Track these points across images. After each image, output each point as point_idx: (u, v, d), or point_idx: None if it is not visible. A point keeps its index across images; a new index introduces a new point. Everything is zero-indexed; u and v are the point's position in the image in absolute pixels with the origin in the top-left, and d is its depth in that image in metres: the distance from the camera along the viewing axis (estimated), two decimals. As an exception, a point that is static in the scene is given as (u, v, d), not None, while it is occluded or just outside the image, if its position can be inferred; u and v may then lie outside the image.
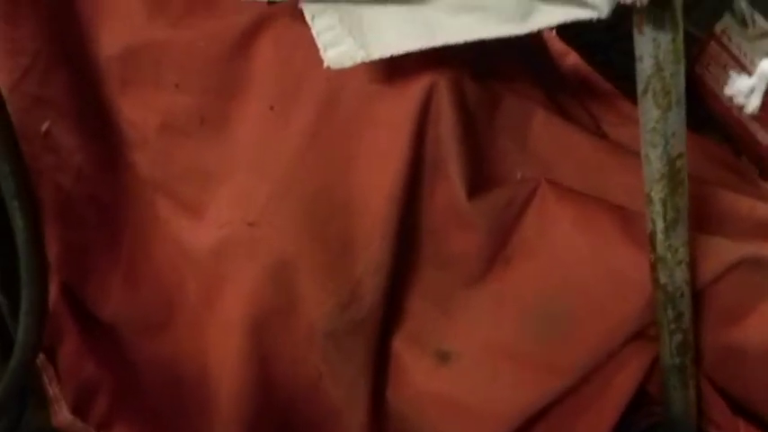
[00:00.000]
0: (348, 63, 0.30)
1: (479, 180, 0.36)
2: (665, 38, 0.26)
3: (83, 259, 0.42)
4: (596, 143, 0.39)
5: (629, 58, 0.35)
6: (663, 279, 0.33)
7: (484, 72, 0.36)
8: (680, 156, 0.29)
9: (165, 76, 0.36)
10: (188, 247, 0.40)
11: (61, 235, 0.40)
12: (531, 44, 0.43)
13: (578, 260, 0.37)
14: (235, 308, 0.39)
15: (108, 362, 0.44)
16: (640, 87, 0.27)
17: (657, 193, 0.30)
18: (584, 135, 0.39)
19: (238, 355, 0.39)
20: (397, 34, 0.29)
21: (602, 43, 0.47)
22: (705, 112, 0.41)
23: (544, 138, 0.38)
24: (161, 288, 0.42)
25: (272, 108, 0.36)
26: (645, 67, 0.27)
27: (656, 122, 0.28)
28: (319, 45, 0.30)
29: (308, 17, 0.30)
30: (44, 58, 0.38)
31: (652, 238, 0.32)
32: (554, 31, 0.48)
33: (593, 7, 0.26)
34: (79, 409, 0.43)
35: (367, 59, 0.30)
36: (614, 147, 0.39)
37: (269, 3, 0.31)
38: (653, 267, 0.33)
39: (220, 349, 0.40)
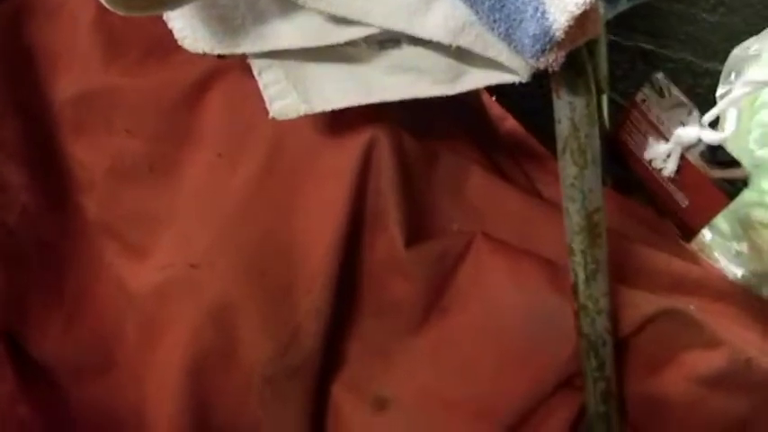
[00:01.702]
0: (292, 114, 0.32)
1: (417, 231, 0.38)
2: (579, 102, 0.28)
3: (23, 300, 0.42)
4: (528, 199, 0.42)
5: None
6: (585, 328, 0.35)
7: (423, 129, 0.38)
8: (597, 210, 0.31)
9: (117, 121, 0.37)
10: (130, 289, 0.40)
11: (2, 274, 0.40)
12: (471, 108, 0.46)
13: (510, 309, 0.38)
14: (175, 349, 0.39)
15: (43, 405, 0.43)
16: (559, 147, 0.30)
17: (578, 244, 0.32)
18: (516, 192, 0.42)
19: (177, 399, 0.38)
20: (338, 90, 0.31)
21: (535, 108, 0.50)
22: (633, 177, 0.44)
23: (479, 193, 0.40)
24: (102, 331, 0.42)
25: (219, 156, 0.37)
26: (563, 128, 0.29)
27: (573, 179, 0.30)
28: (266, 97, 0.32)
29: (255, 71, 0.32)
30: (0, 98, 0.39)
31: (575, 287, 0.34)
32: (494, 97, 0.51)
33: (514, 72, 0.28)
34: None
35: (310, 112, 0.32)
36: (545, 203, 0.42)
37: (219, 57, 0.33)
38: (576, 316, 0.35)
39: (159, 393, 0.40)
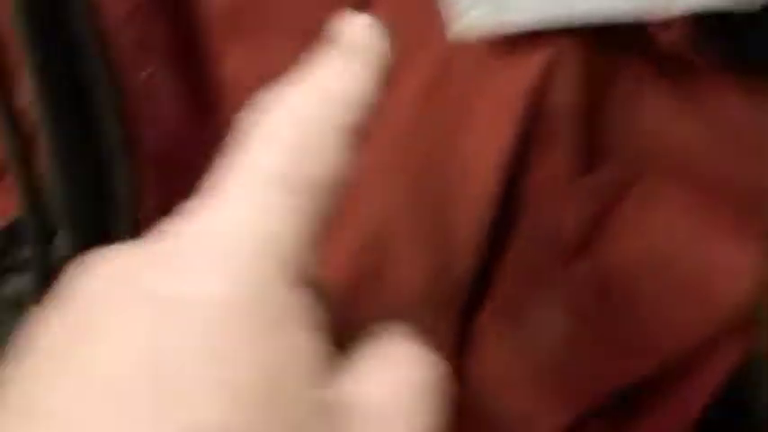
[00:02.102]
0: (481, 30, 0.29)
1: (588, 156, 0.36)
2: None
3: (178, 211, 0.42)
4: (704, 124, 0.38)
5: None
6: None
7: (602, 49, 0.35)
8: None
9: (269, 33, 0.35)
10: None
11: (158, 185, 0.40)
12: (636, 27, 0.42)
13: (678, 244, 0.36)
14: (330, 271, 0.38)
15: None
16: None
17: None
18: (692, 115, 0.38)
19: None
20: (536, 8, 0.28)
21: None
22: None
23: (652, 115, 0.37)
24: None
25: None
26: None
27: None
28: (450, 11, 0.29)
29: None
30: (149, 2, 0.37)
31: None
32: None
33: None
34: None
35: (500, 29, 0.29)
36: (722, 127, 0.38)
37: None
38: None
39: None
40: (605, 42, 0.37)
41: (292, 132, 0.20)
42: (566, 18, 0.28)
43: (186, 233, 0.18)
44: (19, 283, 0.60)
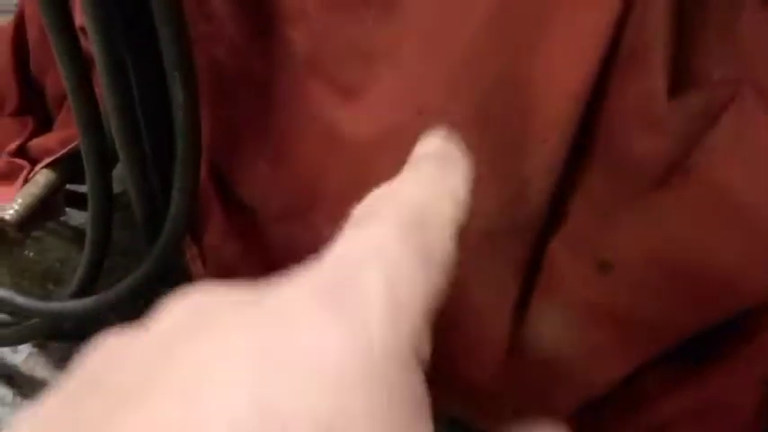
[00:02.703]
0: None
1: (679, 77, 0.33)
2: None
3: (232, 138, 0.41)
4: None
5: None
6: None
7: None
8: None
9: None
10: (342, 134, 0.38)
11: (212, 111, 0.38)
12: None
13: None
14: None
15: (250, 244, 0.43)
16: None
17: None
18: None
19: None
20: None
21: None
22: None
23: (751, 33, 0.34)
24: (307, 173, 0.41)
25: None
26: None
27: None
28: None
29: None
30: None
31: None
32: None
33: None
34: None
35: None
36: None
37: None
38: None
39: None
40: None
41: (413, 214, 0.19)
42: None
43: (309, 287, 0.17)
44: (80, 218, 0.60)
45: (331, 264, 0.17)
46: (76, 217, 0.59)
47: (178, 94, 0.34)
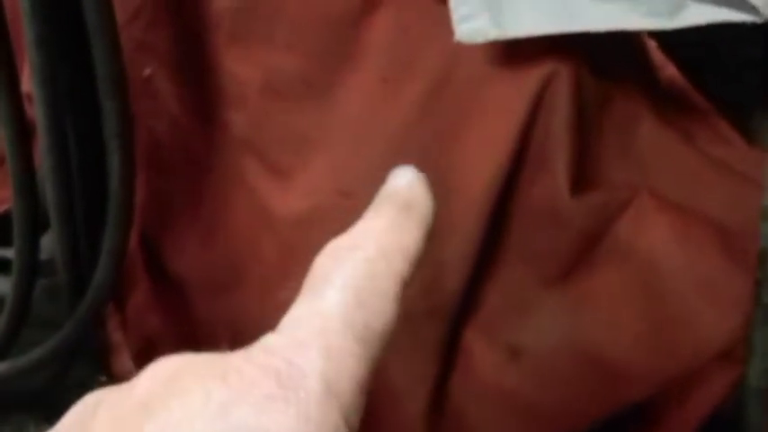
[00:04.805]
0: (480, 39, 0.30)
1: (581, 178, 0.36)
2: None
3: (164, 209, 0.42)
4: (698, 156, 0.38)
5: (722, 78, 0.34)
6: (766, 299, 0.32)
7: (599, 68, 0.35)
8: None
9: (277, 34, 0.36)
10: (272, 212, 0.40)
11: (148, 181, 0.40)
12: (638, 51, 0.42)
13: (671, 269, 0.36)
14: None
15: (174, 316, 0.43)
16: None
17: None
18: (686, 146, 0.38)
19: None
20: (536, 15, 0.29)
21: (695, 61, 0.46)
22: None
23: (648, 143, 0.37)
24: (236, 249, 0.42)
25: (382, 79, 0.35)
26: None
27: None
28: (453, 17, 0.30)
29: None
30: (152, 2, 0.38)
31: (763, 255, 0.31)
32: (654, 42, 0.47)
33: (752, 11, 0.25)
34: (139, 359, 0.43)
35: (501, 38, 0.30)
36: (715, 161, 0.39)
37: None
38: (758, 284, 0.32)
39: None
40: (603, 66, 0.38)
41: (360, 284, 0.23)
42: (564, 28, 0.29)
43: (262, 365, 0.20)
44: (2, 284, 0.59)
45: (282, 341, 0.21)
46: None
47: (114, 161, 0.35)
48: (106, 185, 0.37)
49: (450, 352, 0.40)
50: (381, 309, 0.23)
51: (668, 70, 0.49)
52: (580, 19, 0.28)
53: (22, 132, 0.37)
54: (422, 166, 0.37)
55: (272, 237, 0.40)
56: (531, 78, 0.33)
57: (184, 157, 0.41)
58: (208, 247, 0.42)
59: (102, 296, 0.39)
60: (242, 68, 0.37)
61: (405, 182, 0.28)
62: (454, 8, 0.30)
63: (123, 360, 0.43)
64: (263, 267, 0.41)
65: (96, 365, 0.46)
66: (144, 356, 0.42)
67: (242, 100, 0.38)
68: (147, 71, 0.38)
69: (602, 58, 0.37)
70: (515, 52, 0.33)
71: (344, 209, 0.39)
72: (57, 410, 0.22)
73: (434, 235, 0.38)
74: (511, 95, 0.34)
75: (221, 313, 0.43)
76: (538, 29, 0.29)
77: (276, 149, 0.39)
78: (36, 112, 0.34)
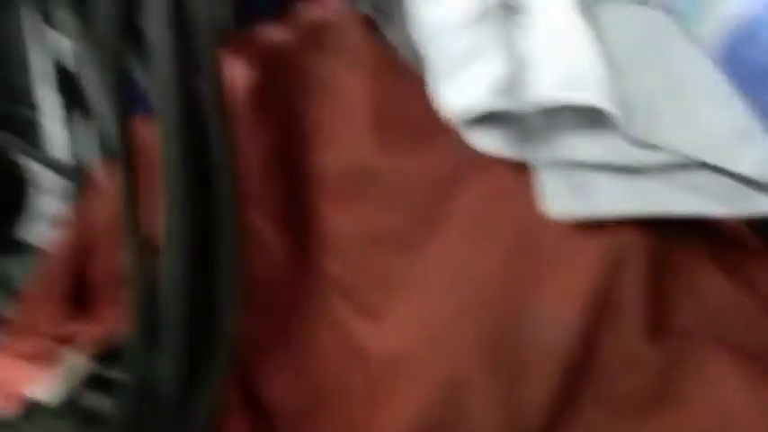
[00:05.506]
0: (567, 217, 0.34)
1: (654, 326, 0.39)
2: None
3: (259, 343, 0.46)
4: (761, 302, 0.41)
5: None
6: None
7: (666, 234, 0.39)
8: None
9: (377, 196, 0.40)
10: (361, 347, 0.43)
11: (248, 323, 0.44)
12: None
13: (743, 418, 0.38)
14: (400, 419, 0.41)
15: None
16: None
17: None
18: (748, 291, 0.41)
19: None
20: (617, 200, 0.32)
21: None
22: None
23: (712, 291, 0.40)
24: (324, 379, 0.45)
25: (467, 239, 0.39)
26: None
27: None
28: (541, 196, 0.34)
29: (540, 171, 0.34)
30: (269, 161, 0.43)
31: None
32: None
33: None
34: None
35: (585, 216, 0.33)
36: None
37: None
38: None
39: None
40: (668, 227, 0.41)
41: None
42: (645, 210, 0.32)
43: None
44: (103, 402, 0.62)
45: None
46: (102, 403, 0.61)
47: (227, 308, 0.39)
48: (215, 326, 0.40)
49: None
50: None
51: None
52: (657, 205, 0.32)
53: (143, 283, 0.41)
54: (503, 314, 0.40)
55: (361, 371, 0.43)
56: (606, 240, 0.37)
57: (281, 297, 0.45)
58: (297, 378, 0.46)
59: (203, 426, 0.42)
60: (343, 222, 0.42)
61: None
62: (542, 186, 0.33)
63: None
64: (349, 401, 0.44)
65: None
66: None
67: (339, 249, 0.42)
68: (259, 222, 0.43)
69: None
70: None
71: (432, 353, 0.43)
72: None
73: (511, 379, 0.41)
74: (589, 252, 0.38)
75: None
76: (618, 211, 0.33)
77: (368, 293, 0.42)
78: (165, 267, 0.38)
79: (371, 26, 0.45)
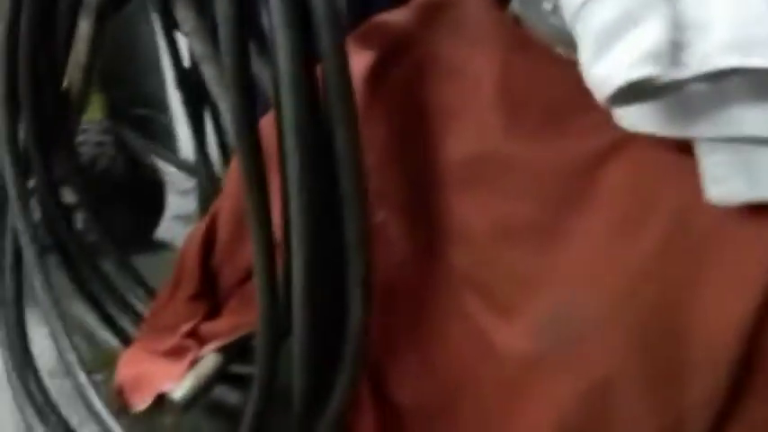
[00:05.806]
0: (735, 200, 0.29)
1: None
2: None
3: (387, 342, 0.44)
4: None
5: None
6: None
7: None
8: None
9: (508, 185, 0.37)
10: (493, 346, 0.40)
11: (377, 320, 0.42)
12: None
13: None
14: (540, 422, 0.38)
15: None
16: None
17: None
18: None
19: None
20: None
21: None
22: None
23: None
24: (453, 377, 0.43)
25: (614, 226, 0.35)
26: None
27: None
28: (706, 179, 0.30)
29: (697, 150, 0.30)
30: (387, 153, 0.41)
31: None
32: None
33: None
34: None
35: (755, 200, 0.29)
36: None
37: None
38: None
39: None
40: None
41: None
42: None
43: None
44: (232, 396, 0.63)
45: None
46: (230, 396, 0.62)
47: (356, 307, 0.38)
48: (344, 325, 0.39)
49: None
50: None
51: None
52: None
53: (271, 258, 0.40)
54: (657, 309, 0.36)
55: (493, 369, 0.41)
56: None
57: (408, 293, 0.43)
58: (427, 375, 0.44)
59: (332, 424, 0.41)
60: (471, 213, 0.39)
61: None
62: (706, 169, 0.29)
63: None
64: (481, 399, 0.42)
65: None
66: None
67: (469, 242, 0.40)
68: (381, 217, 0.41)
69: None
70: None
71: (576, 355, 0.39)
72: None
73: (669, 378, 0.37)
74: (754, 242, 0.33)
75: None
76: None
77: (500, 287, 0.40)
78: (294, 265, 0.37)
79: (497, 1, 0.42)
